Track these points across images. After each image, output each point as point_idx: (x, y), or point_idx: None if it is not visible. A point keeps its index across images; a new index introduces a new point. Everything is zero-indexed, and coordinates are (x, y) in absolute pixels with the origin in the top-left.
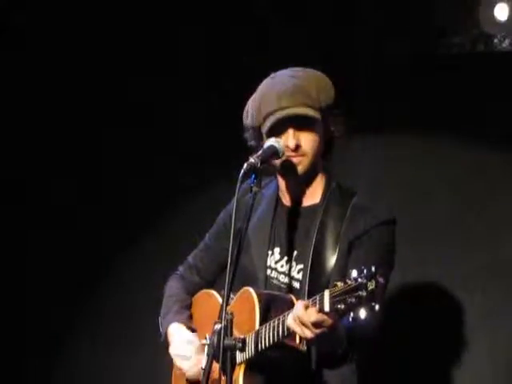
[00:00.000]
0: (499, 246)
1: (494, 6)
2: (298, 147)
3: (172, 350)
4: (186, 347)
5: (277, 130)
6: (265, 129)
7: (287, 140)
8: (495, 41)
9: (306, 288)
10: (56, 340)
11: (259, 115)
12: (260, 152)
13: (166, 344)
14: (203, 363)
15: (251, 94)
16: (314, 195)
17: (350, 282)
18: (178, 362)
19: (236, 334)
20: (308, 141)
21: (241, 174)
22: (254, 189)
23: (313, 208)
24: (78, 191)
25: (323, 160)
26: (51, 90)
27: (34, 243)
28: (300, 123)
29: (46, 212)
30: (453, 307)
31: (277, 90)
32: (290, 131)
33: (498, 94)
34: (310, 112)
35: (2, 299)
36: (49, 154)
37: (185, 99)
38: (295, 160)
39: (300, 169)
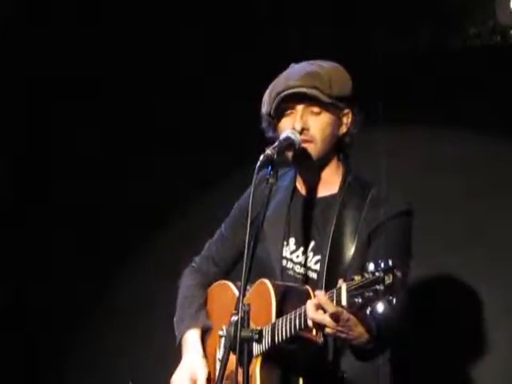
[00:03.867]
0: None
1: None
2: (303, 130)
3: (174, 376)
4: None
5: (285, 112)
6: (273, 110)
7: (294, 122)
8: (511, 33)
9: (324, 278)
10: (68, 331)
11: (270, 99)
12: (276, 143)
13: (179, 350)
14: (220, 354)
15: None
16: (331, 186)
17: (367, 276)
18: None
19: (252, 326)
20: (316, 126)
21: (257, 166)
22: (271, 180)
23: (330, 198)
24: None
25: (339, 153)
26: None
27: (39, 238)
28: (308, 105)
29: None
30: (470, 302)
31: (289, 74)
32: (298, 113)
33: None
34: (319, 94)
35: (13, 288)
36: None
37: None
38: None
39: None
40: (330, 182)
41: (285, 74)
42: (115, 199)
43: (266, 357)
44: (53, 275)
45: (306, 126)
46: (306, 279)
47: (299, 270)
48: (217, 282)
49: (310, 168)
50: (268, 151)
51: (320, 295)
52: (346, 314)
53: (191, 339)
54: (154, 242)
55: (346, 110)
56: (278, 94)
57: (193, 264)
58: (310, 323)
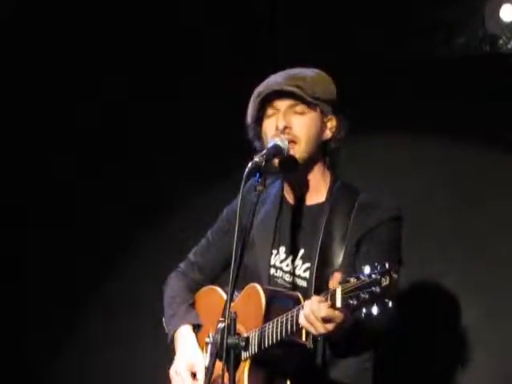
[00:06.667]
0: (500, 245)
1: (500, 7)
2: (286, 128)
3: (172, 368)
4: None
5: (268, 114)
6: (255, 112)
7: (277, 122)
8: (500, 42)
9: (313, 286)
10: (58, 336)
11: (253, 104)
12: (265, 151)
13: (172, 347)
14: (206, 362)
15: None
16: (318, 193)
17: (363, 278)
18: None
19: (241, 329)
20: (300, 125)
21: (245, 173)
22: (259, 188)
23: (318, 206)
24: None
25: (326, 158)
26: None
27: (35, 239)
28: (291, 105)
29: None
30: (453, 307)
31: (271, 78)
32: (281, 113)
33: (502, 95)
34: (301, 93)
35: (5, 291)
36: None
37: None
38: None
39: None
40: (318, 190)
41: (267, 79)
42: (101, 201)
43: (254, 361)
44: (40, 275)
45: (288, 125)
46: (295, 287)
47: (288, 278)
48: (205, 288)
49: (297, 174)
50: (256, 158)
51: (312, 303)
52: (340, 317)
53: (185, 333)
54: (141, 245)
55: (330, 116)
56: (260, 95)
57: (178, 269)
58: (302, 322)
